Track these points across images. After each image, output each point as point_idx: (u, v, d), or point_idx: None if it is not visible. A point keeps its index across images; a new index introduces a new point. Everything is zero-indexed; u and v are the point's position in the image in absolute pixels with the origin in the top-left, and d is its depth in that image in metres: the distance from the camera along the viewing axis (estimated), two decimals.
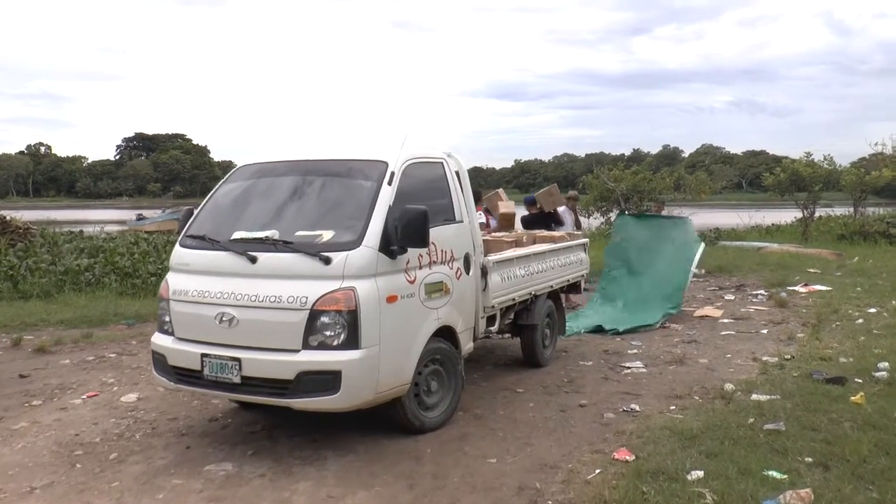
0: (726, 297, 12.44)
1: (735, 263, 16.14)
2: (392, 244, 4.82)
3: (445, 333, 5.48)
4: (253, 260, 4.83)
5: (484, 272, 6.05)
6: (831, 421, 5.31)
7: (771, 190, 24.22)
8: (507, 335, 7.72)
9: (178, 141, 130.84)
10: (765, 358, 7.66)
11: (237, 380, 4.74)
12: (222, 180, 5.77)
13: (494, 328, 6.43)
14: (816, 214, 24.26)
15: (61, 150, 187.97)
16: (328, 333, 4.59)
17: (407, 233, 4.77)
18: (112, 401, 6.47)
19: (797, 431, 5.12)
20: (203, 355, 4.87)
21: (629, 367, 7.54)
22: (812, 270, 15.19)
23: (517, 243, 7.84)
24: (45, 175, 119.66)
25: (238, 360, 4.72)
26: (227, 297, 4.83)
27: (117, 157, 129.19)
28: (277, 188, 5.44)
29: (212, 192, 5.68)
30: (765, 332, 9.28)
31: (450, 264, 5.50)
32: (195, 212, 5.59)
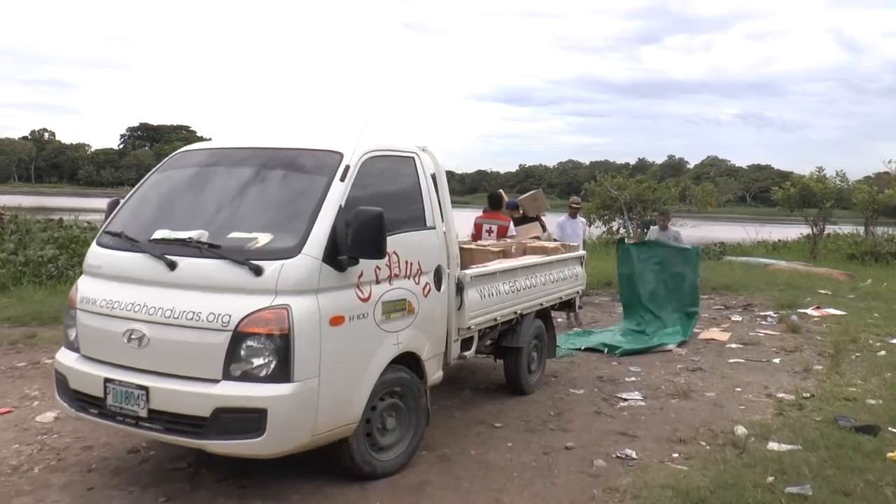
0: (733, 318, 11.56)
1: (742, 281, 15.26)
2: (341, 253, 3.93)
3: (408, 361, 4.60)
4: (171, 266, 3.94)
5: (459, 288, 5.16)
6: (868, 484, 4.42)
7: (780, 205, 23.30)
8: (489, 356, 6.83)
9: (182, 132, 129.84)
10: (780, 394, 6.76)
11: (143, 413, 3.86)
12: (156, 167, 4.90)
13: (470, 352, 5.53)
14: (825, 232, 23.36)
15: (65, 136, 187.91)
16: (254, 362, 3.71)
17: (358, 239, 3.88)
18: (25, 420, 5.59)
19: (826, 497, 4.23)
20: (106, 380, 3.98)
21: (626, 399, 6.65)
22: (823, 292, 14.31)
23: (505, 254, 6.96)
24: (47, 161, 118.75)
25: (146, 388, 3.84)
26: (139, 310, 3.95)
27: (121, 147, 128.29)
28: (217, 179, 4.56)
29: (142, 180, 4.80)
30: (777, 361, 8.38)
31: (416, 278, 4.61)
32: (121, 203, 4.71)
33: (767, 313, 12.03)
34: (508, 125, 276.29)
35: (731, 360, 8.37)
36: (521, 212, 10.18)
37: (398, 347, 4.41)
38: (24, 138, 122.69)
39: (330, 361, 3.87)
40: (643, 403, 6.54)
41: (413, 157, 4.86)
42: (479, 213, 9.36)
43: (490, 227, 8.82)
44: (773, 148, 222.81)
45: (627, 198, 22.86)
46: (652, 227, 10.11)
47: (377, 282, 4.25)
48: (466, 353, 5.45)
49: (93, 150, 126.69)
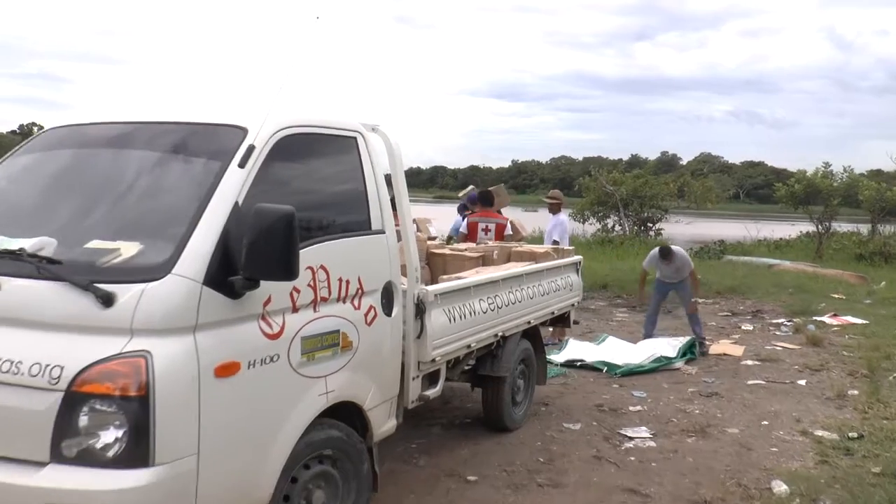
0: (744, 327, 10.42)
1: (747, 283, 14.12)
2: (235, 271, 2.72)
3: (344, 412, 3.40)
4: None
5: (420, 310, 3.95)
6: None
7: (783, 202, 22.17)
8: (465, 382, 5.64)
9: None
10: (818, 432, 5.58)
11: None
12: (11, 151, 3.67)
13: (435, 390, 4.32)
14: (831, 231, 22.26)
15: None
16: (97, 437, 2.49)
17: (256, 253, 2.67)
18: None
19: None
20: None
21: (631, 437, 5.47)
22: (837, 296, 13.21)
23: (484, 260, 5.76)
24: None
25: None
26: None
27: None
28: (81, 167, 3.34)
29: None
30: (802, 383, 7.22)
31: (355, 301, 3.40)
32: None
33: (780, 321, 10.93)
34: (501, 121, 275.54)
35: (750, 382, 7.21)
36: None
37: (327, 398, 3.21)
38: (13, 132, 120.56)
39: (216, 429, 2.66)
40: (653, 444, 5.35)
41: (355, 138, 3.63)
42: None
43: (487, 226, 8.12)
44: (765, 145, 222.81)
45: (623, 194, 21.70)
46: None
47: (294, 310, 3.04)
48: (430, 392, 4.24)
49: None
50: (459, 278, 4.79)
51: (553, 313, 6.00)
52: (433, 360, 4.10)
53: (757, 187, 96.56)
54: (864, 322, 10.59)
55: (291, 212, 2.69)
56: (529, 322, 5.48)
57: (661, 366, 7.69)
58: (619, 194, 21.77)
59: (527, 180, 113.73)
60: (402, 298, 3.81)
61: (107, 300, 2.55)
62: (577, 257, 6.62)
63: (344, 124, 3.58)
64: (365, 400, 3.48)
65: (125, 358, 2.50)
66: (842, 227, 24.37)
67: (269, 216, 2.67)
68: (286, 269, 2.72)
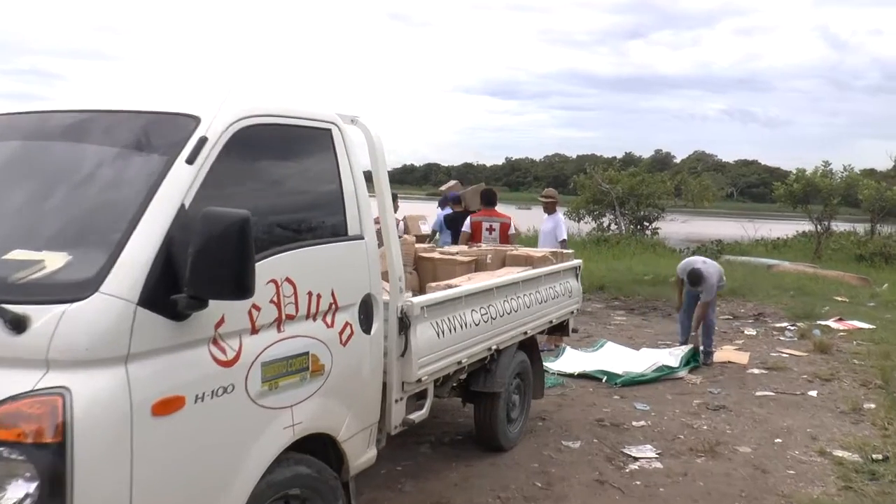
0: (746, 332, 10.02)
1: (747, 285, 13.73)
2: (181, 289, 2.27)
3: (315, 444, 2.96)
4: None
5: (404, 325, 3.51)
6: None
7: (781, 201, 21.79)
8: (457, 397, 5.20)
9: None
10: (838, 452, 5.17)
11: None
12: None
13: (422, 412, 3.88)
14: (830, 230, 21.89)
15: None
16: (2, 492, 2.05)
17: (203, 266, 2.22)
18: None
19: None
20: None
21: (636, 458, 5.05)
22: (840, 299, 12.85)
23: (477, 265, 5.33)
24: None
25: None
26: None
27: None
28: (8, 162, 2.87)
29: None
30: (814, 394, 6.81)
31: (328, 318, 2.96)
32: None
33: (783, 325, 10.55)
34: (495, 118, 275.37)
35: (759, 394, 6.80)
36: (463, 206, 9.23)
37: (294, 431, 2.76)
38: None
39: (154, 477, 2.22)
40: (660, 465, 4.93)
41: (329, 130, 3.17)
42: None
43: (491, 225, 7.83)
44: (758, 144, 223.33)
45: (620, 192, 21.29)
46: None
47: (253, 331, 2.59)
48: (416, 415, 3.79)
49: None
50: (450, 286, 4.36)
51: (551, 322, 5.57)
52: (419, 381, 3.66)
53: (750, 186, 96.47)
54: (871, 327, 10.22)
55: (245, 217, 2.25)
56: (526, 333, 5.05)
57: (663, 375, 7.27)
58: (615, 192, 21.36)
59: (520, 178, 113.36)
60: (384, 312, 3.37)
61: (17, 325, 2.10)
62: (577, 261, 6.19)
63: (317, 115, 3.12)
64: (339, 430, 3.04)
65: (38, 396, 2.05)
66: (839, 226, 24.04)
67: (218, 222, 2.23)
68: (238, 286, 2.27)
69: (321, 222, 3.03)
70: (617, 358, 7.82)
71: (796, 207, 21.30)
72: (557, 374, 7.14)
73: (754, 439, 5.49)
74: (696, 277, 7.93)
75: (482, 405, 4.89)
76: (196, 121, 2.59)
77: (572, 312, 6.04)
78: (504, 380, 4.78)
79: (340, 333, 3.02)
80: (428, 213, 9.62)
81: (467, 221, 8.19)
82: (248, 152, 2.72)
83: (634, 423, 5.83)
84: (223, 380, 2.45)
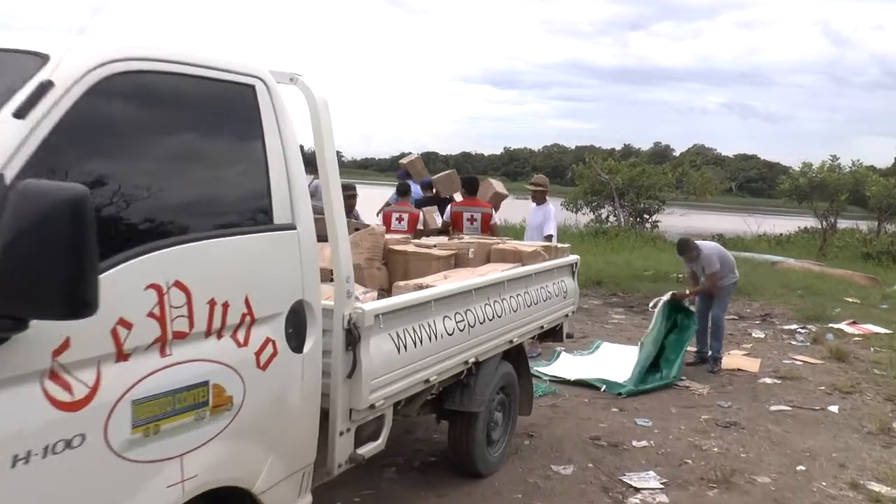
0: (754, 335, 9.34)
1: (753, 283, 12.99)
2: None
3: (224, 498, 2.23)
4: None
5: (352, 338, 2.77)
6: None
7: (786, 196, 21.06)
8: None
9: None
10: (873, 485, 4.46)
11: None
12: None
13: (376, 444, 3.14)
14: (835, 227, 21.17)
15: None
16: None
17: (15, 266, 1.49)
18: None
19: None
20: None
21: (638, 489, 4.34)
22: (851, 300, 12.15)
23: (457, 260, 4.61)
24: None
25: None
26: None
27: None
28: None
29: None
30: (834, 409, 6.11)
31: (238, 335, 2.22)
32: None
33: (793, 327, 9.86)
34: (494, 108, 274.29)
35: (773, 409, 6.09)
36: (434, 191, 9.16)
37: (184, 488, 2.03)
38: None
39: None
40: (666, 499, 4.22)
41: (252, 87, 2.42)
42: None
43: (472, 216, 7.43)
44: (758, 138, 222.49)
45: (619, 183, 20.55)
46: None
47: (120, 357, 1.85)
48: (368, 450, 3.06)
49: None
50: (420, 286, 3.63)
51: (542, 328, 4.85)
52: (372, 406, 2.93)
53: (749, 181, 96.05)
54: (888, 332, 9.52)
55: (80, 194, 1.51)
56: (512, 341, 4.32)
57: (667, 383, 6.58)
58: (615, 183, 20.62)
59: (518, 168, 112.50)
60: (325, 323, 2.64)
61: None
62: (573, 257, 5.45)
63: (233, 66, 2.35)
64: (255, 480, 2.31)
65: None
66: (841, 223, 23.35)
67: (40, 201, 1.49)
68: (70, 299, 1.53)
69: (234, 207, 2.28)
70: (615, 361, 7.14)
71: (802, 203, 20.56)
72: (550, 382, 6.44)
73: (773, 466, 4.79)
74: (683, 245, 7.22)
75: (458, 425, 4.16)
76: (42, 60, 1.84)
77: (567, 315, 5.32)
78: (484, 397, 4.05)
79: (258, 354, 2.28)
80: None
81: (447, 211, 7.73)
82: (122, 108, 1.97)
83: (635, 443, 5.12)
84: (67, 429, 1.72)
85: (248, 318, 2.23)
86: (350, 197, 6.83)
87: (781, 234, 23.51)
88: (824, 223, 20.14)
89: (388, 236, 4.74)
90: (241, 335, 2.21)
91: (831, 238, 20.63)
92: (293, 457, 2.51)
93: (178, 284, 1.98)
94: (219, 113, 2.30)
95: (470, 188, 7.76)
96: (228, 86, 2.32)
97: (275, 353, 2.34)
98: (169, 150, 2.11)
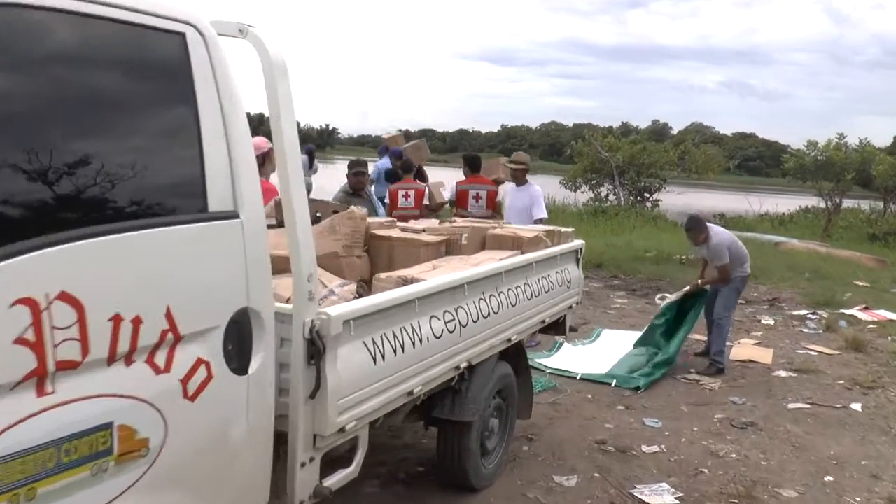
0: (763, 321, 8.87)
1: (758, 265, 12.39)
2: None
3: None
4: None
5: (315, 350, 2.26)
6: None
7: (791, 175, 20.52)
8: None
9: None
10: None
11: None
12: None
13: (347, 473, 2.64)
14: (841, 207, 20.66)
15: None
16: None
17: None
18: None
19: None
20: None
21: (649, 503, 3.88)
22: (861, 284, 11.67)
23: (448, 246, 4.09)
24: None
25: None
26: None
27: None
28: None
29: None
30: (857, 408, 5.65)
31: (155, 359, 1.71)
32: None
33: (801, 312, 9.42)
34: (492, 85, 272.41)
35: (791, 406, 5.62)
36: (401, 160, 8.53)
37: None
38: None
39: None
40: None
41: (182, 36, 1.88)
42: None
43: (478, 193, 7.18)
44: (756, 117, 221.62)
45: (619, 160, 19.98)
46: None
47: None
48: (337, 479, 2.56)
49: None
50: (403, 279, 3.12)
51: (544, 322, 4.35)
52: (342, 430, 2.43)
53: (748, 159, 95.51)
54: None
55: None
56: (510, 340, 3.82)
57: (671, 363, 6.16)
58: (615, 161, 20.04)
59: (516, 145, 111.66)
60: (281, 331, 2.13)
61: None
62: (578, 242, 4.95)
63: (155, 8, 1.82)
64: None
65: None
66: (844, 203, 22.84)
67: None
68: None
69: (151, 190, 1.76)
70: (619, 350, 6.71)
71: (807, 182, 20.03)
72: (552, 376, 5.97)
73: (798, 476, 4.32)
74: (692, 223, 6.67)
75: (448, 434, 3.67)
76: None
77: (570, 307, 4.82)
78: (478, 404, 3.56)
79: (185, 381, 1.77)
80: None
81: (452, 188, 7.33)
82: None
83: (645, 448, 4.65)
84: None
85: (169, 337, 1.72)
86: (360, 174, 6.51)
87: (784, 214, 23.01)
88: (829, 203, 19.62)
89: (372, 219, 4.21)
90: (159, 359, 1.70)
91: (835, 218, 20.15)
92: (240, 500, 2.01)
93: (64, 297, 1.47)
94: (131, 66, 1.77)
95: (473, 166, 7.39)
96: (147, 31, 1.78)
97: (209, 378, 1.83)
98: (56, 114, 1.58)
